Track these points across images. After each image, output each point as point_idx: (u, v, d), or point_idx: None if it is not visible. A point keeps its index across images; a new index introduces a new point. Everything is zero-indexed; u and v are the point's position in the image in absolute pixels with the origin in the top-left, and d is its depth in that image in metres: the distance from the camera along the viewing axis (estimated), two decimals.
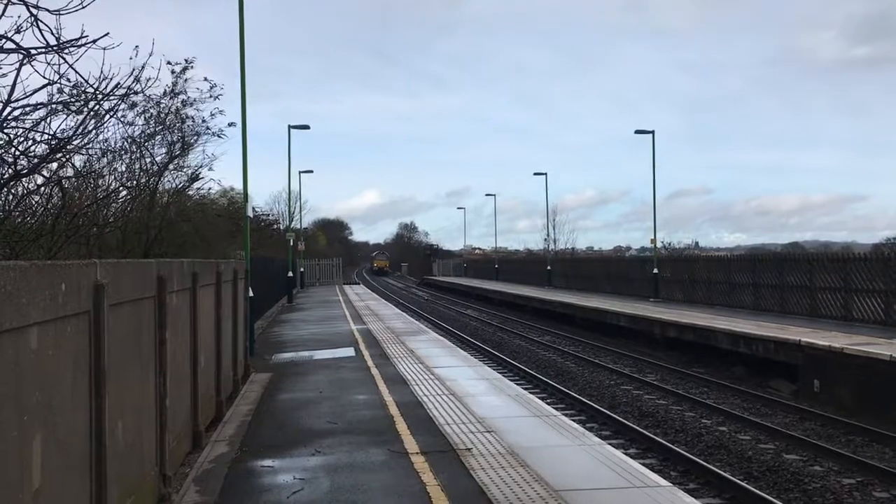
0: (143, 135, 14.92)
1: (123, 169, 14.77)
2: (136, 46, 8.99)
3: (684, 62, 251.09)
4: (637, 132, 35.85)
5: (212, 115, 16.09)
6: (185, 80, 14.49)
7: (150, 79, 9.26)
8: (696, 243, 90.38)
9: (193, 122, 16.00)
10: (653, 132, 35.50)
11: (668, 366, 20.22)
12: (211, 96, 15.36)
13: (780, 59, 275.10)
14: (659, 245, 37.19)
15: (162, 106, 14.70)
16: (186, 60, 14.17)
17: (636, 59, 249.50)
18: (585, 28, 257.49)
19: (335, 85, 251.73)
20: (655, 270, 33.48)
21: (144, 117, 14.47)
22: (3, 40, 5.96)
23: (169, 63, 13.50)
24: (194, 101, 15.35)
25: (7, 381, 3.35)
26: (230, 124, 16.77)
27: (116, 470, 5.03)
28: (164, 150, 16.51)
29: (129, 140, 14.28)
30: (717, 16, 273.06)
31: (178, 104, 15.13)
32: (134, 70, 8.81)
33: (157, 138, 15.77)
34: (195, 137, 16.62)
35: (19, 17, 6.07)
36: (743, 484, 9.60)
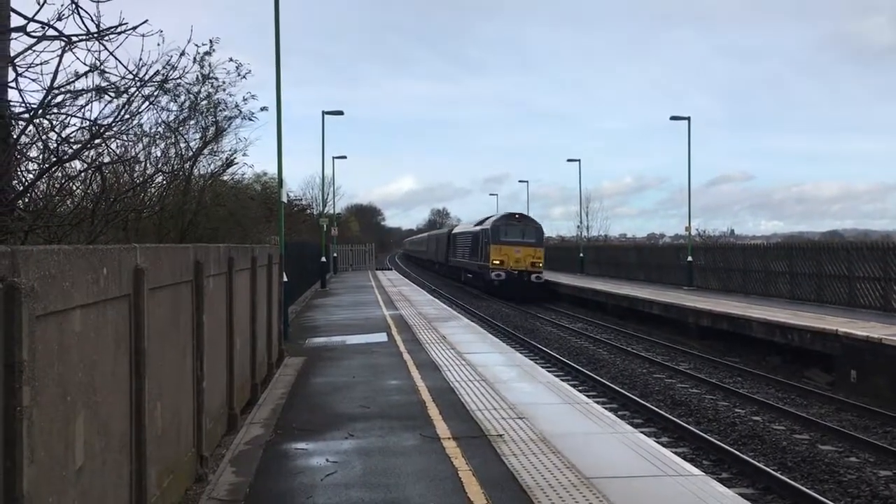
0: (177, 120, 15.03)
1: (159, 154, 14.90)
2: (161, 31, 9.01)
3: (728, 48, 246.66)
4: (672, 118, 35.34)
5: (244, 99, 16.16)
6: (210, 64, 14.49)
7: (185, 67, 9.33)
8: (732, 231, 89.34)
9: (226, 106, 16.08)
10: (688, 118, 35.04)
11: (701, 354, 20.06)
12: (239, 75, 15.37)
13: (827, 44, 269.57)
14: (693, 233, 36.76)
15: (195, 91, 14.76)
16: (211, 42, 14.11)
17: (679, 44, 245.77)
18: (627, 12, 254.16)
19: (372, 69, 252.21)
20: (689, 258, 33.13)
21: (178, 102, 14.53)
22: (46, 28, 6.07)
23: (196, 45, 13.42)
24: (224, 84, 15.38)
25: (51, 362, 3.44)
26: (263, 108, 16.84)
27: (155, 450, 5.14)
28: (198, 136, 16.64)
29: (163, 125, 14.40)
30: (761, 1, 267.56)
31: (210, 89, 15.19)
32: (171, 56, 8.89)
33: (191, 123, 15.88)
34: (228, 122, 16.72)
35: (62, 5, 6.18)
36: (776, 474, 9.52)
